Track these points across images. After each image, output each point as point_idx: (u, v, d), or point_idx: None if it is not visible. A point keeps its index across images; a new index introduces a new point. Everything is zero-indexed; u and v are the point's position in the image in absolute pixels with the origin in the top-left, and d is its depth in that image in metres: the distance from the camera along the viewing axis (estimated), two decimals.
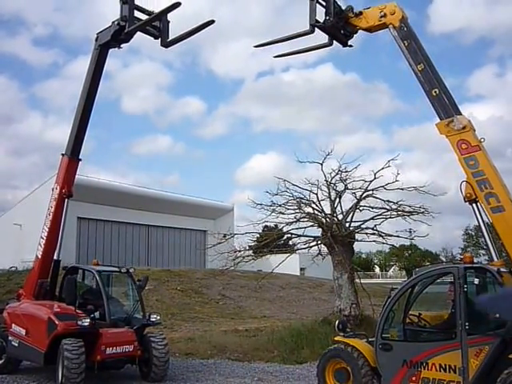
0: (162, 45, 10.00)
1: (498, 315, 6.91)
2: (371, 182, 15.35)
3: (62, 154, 11.24)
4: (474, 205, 8.14)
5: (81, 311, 9.57)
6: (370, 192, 15.44)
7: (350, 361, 8.14)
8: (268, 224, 18.60)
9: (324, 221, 15.37)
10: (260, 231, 18.75)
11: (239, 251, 15.96)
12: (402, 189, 15.14)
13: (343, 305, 14.68)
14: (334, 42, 9.65)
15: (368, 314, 14.71)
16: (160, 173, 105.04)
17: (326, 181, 15.79)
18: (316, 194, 15.75)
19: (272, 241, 16.57)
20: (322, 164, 15.66)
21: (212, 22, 9.43)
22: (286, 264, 16.69)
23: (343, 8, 9.27)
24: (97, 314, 9.91)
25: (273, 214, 15.66)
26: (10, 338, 10.35)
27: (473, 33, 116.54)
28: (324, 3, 9.15)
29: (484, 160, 7.91)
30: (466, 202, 8.17)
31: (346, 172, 15.71)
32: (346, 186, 15.76)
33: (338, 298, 14.94)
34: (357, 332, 9.47)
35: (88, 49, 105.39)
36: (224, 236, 16.58)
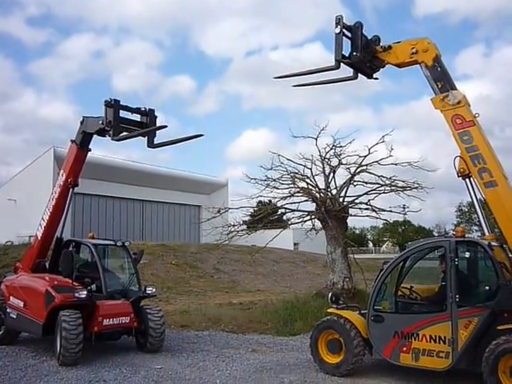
0: (148, 146, 9.91)
1: None
2: (365, 157, 15.42)
3: (72, 141, 10.74)
4: (467, 180, 8.20)
5: (78, 284, 9.66)
6: (364, 167, 15.52)
7: (342, 332, 8.32)
8: (262, 199, 18.74)
9: (318, 196, 15.46)
10: (254, 206, 18.87)
11: (233, 226, 16.06)
12: (395, 164, 15.23)
13: (336, 278, 14.89)
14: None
15: (361, 288, 14.93)
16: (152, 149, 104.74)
17: (321, 156, 15.83)
18: (310, 169, 15.81)
19: (266, 215, 16.67)
20: (316, 139, 15.67)
21: (201, 135, 9.75)
22: (280, 239, 16.84)
23: (369, 37, 8.54)
24: (93, 287, 10.03)
25: (267, 188, 15.74)
26: (8, 310, 10.44)
27: (457, 14, 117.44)
28: (350, 35, 8.39)
29: (478, 135, 7.92)
30: (459, 177, 8.22)
31: (340, 147, 15.75)
32: (340, 161, 15.82)
33: (332, 271, 15.14)
34: (349, 304, 9.66)
35: (80, 28, 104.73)
36: (218, 211, 16.65)
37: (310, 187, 15.66)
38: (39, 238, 10.97)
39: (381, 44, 8.64)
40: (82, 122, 10.43)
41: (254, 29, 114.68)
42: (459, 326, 7.30)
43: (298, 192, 15.66)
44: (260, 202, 20.36)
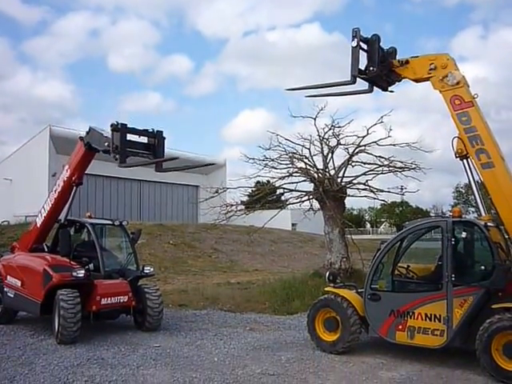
0: (156, 170, 9.67)
1: None
2: (363, 137, 15.38)
3: (80, 138, 10.09)
4: (464, 161, 8.22)
5: (75, 263, 9.68)
6: (363, 147, 15.48)
7: (339, 310, 8.39)
8: (260, 180, 18.72)
9: (316, 176, 15.45)
10: (252, 186, 18.87)
11: (231, 205, 16.06)
12: (394, 145, 15.22)
13: (334, 258, 14.96)
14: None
15: (358, 268, 14.99)
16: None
17: (319, 136, 15.78)
18: (308, 149, 15.79)
19: (264, 196, 16.69)
20: (315, 119, 15.59)
21: (213, 164, 9.50)
22: (278, 219, 16.86)
23: (385, 48, 8.37)
24: (91, 266, 10.03)
25: (265, 168, 15.72)
26: (5, 289, 10.48)
27: None
28: (366, 47, 8.21)
29: (476, 116, 7.91)
30: (456, 157, 8.23)
31: (338, 127, 15.69)
32: (338, 141, 15.78)
33: (329, 251, 15.20)
34: (346, 283, 9.72)
35: (76, 7, 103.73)
36: (216, 191, 16.63)
37: (309, 167, 15.64)
38: (38, 225, 10.89)
39: (397, 57, 8.46)
40: (87, 133, 9.93)
41: (250, 9, 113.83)
42: (454, 305, 7.37)
43: (296, 172, 15.66)
44: (258, 182, 20.32)
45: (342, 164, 15.72)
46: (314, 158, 15.75)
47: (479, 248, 7.93)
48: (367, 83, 8.59)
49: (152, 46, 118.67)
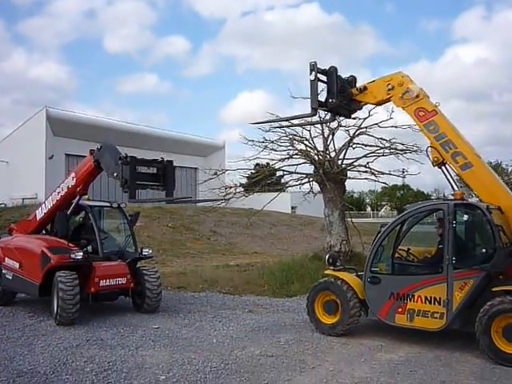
0: (167, 203, 9.60)
1: None
2: (365, 119, 15.19)
3: (91, 152, 9.70)
4: (443, 168, 8.34)
5: (73, 245, 9.63)
6: (364, 129, 15.32)
7: (339, 293, 8.36)
8: (260, 162, 18.59)
9: (316, 158, 15.33)
10: (251, 168, 18.75)
11: (230, 187, 15.96)
12: (395, 127, 15.05)
13: (333, 241, 14.91)
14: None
15: (358, 252, 14.97)
16: (146, 111, 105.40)
17: (320, 117, 15.57)
18: (309, 131, 15.61)
19: (263, 178, 16.57)
20: None
21: (225, 203, 9.54)
22: (278, 202, 16.78)
23: (344, 77, 8.51)
24: (89, 248, 10.01)
25: (265, 150, 15.59)
26: (3, 271, 10.46)
27: None
28: (325, 79, 8.39)
29: (443, 123, 8.11)
30: (434, 166, 8.34)
31: None
32: (339, 123, 15.56)
33: (329, 234, 15.15)
34: (346, 266, 9.69)
35: None
36: (215, 173, 16.51)
37: (309, 149, 15.51)
38: (38, 219, 10.80)
39: (357, 84, 8.70)
40: (98, 149, 9.62)
41: None
42: (454, 288, 7.34)
43: (296, 154, 15.52)
44: (257, 164, 20.20)
45: (343, 146, 15.58)
46: (314, 139, 15.61)
47: (480, 231, 7.88)
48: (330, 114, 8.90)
49: (148, 26, 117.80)
